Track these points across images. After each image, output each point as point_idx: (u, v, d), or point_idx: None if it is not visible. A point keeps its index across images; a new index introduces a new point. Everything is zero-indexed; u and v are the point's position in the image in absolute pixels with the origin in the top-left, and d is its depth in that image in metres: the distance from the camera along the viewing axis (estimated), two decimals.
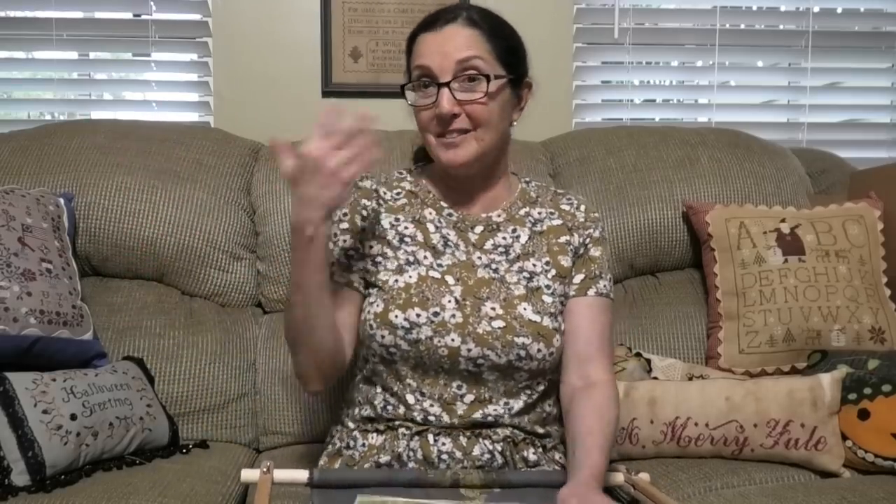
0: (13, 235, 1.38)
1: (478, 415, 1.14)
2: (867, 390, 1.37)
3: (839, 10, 2.31)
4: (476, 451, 1.13)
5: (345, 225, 1.25)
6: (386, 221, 1.24)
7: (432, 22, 1.18)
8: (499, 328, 1.13)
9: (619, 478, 1.10)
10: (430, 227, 1.23)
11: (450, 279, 1.18)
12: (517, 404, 1.16)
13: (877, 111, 2.37)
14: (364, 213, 1.25)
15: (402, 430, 1.15)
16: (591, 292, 1.21)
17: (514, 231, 1.24)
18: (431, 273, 1.18)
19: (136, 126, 1.79)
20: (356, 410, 1.22)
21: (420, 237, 1.22)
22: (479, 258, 1.21)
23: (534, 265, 1.21)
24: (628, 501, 1.17)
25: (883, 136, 2.34)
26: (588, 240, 1.25)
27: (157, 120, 2.04)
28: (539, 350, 1.14)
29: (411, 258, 1.20)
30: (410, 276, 1.18)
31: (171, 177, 1.67)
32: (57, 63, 2.09)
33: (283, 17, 2.03)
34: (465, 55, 1.14)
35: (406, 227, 1.23)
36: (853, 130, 2.38)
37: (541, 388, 1.19)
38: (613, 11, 2.15)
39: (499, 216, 1.25)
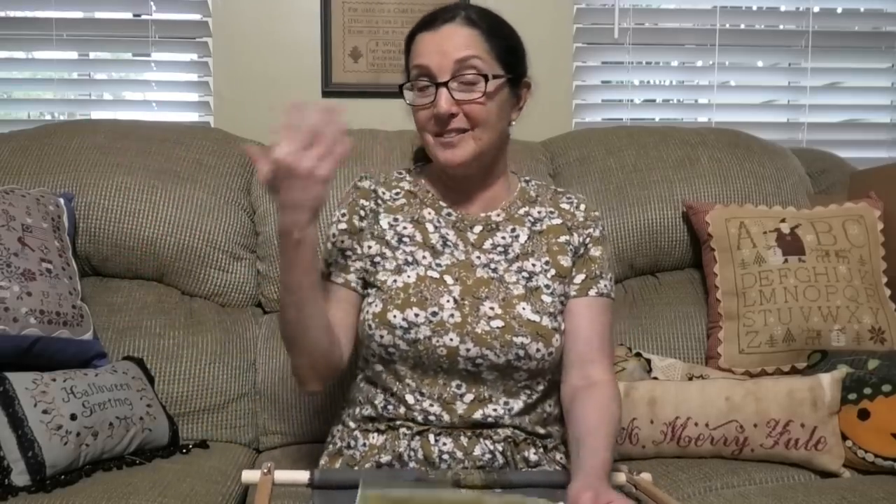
0: (13, 235, 1.38)
1: (478, 415, 1.14)
2: (867, 390, 1.37)
3: (839, 10, 2.31)
4: (477, 452, 1.13)
5: (343, 225, 1.25)
6: (385, 221, 1.24)
7: (431, 21, 1.18)
8: (497, 328, 1.13)
9: (620, 478, 1.10)
10: (429, 227, 1.23)
11: (448, 279, 1.18)
12: (517, 404, 1.16)
13: (877, 111, 2.37)
14: (362, 213, 1.25)
15: (402, 429, 1.15)
16: (592, 292, 1.21)
17: (513, 230, 1.24)
18: (430, 273, 1.18)
19: (136, 126, 1.79)
20: (357, 410, 1.22)
21: (419, 237, 1.22)
22: (478, 258, 1.21)
23: (533, 265, 1.21)
24: None
25: (883, 136, 2.34)
26: (588, 239, 1.25)
27: (157, 120, 2.04)
28: (538, 350, 1.14)
29: (410, 258, 1.20)
30: (409, 276, 1.18)
31: (171, 177, 1.67)
32: (57, 63, 2.09)
33: (283, 17, 2.03)
34: (464, 55, 1.14)
35: (405, 228, 1.23)
36: (853, 130, 2.38)
37: (541, 387, 1.19)
38: (613, 11, 2.15)
39: (498, 216, 1.25)
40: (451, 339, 1.13)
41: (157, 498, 1.16)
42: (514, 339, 1.13)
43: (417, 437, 1.14)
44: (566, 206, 1.28)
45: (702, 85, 2.27)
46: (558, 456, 1.22)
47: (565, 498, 0.95)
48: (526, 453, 1.17)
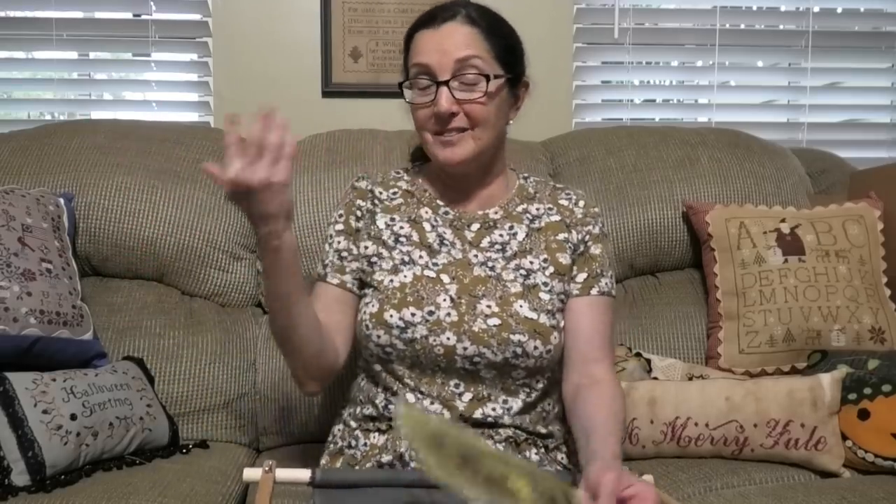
0: (13, 235, 1.38)
1: (478, 414, 1.14)
2: (867, 390, 1.37)
3: (839, 10, 2.31)
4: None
5: (340, 226, 1.25)
6: (381, 221, 1.24)
7: (431, 19, 1.18)
8: (494, 326, 1.13)
9: None
10: (426, 227, 1.23)
11: (445, 278, 1.18)
12: (516, 403, 1.16)
13: (877, 111, 2.37)
14: (359, 213, 1.25)
15: None
16: (594, 291, 1.21)
17: (511, 228, 1.24)
18: (426, 272, 1.18)
19: (136, 126, 1.79)
20: (358, 409, 1.22)
21: (415, 237, 1.22)
22: (476, 256, 1.21)
23: (531, 262, 1.20)
24: None
25: (883, 136, 2.34)
26: (588, 237, 1.24)
27: (157, 120, 2.04)
28: (536, 347, 1.14)
29: (406, 258, 1.20)
30: (405, 276, 1.18)
31: (171, 177, 1.67)
32: (57, 63, 2.09)
33: (283, 17, 2.03)
34: (465, 54, 1.14)
35: (401, 227, 1.23)
36: (853, 130, 2.38)
37: (540, 386, 1.19)
38: (613, 11, 2.15)
39: (496, 213, 1.25)
40: (448, 338, 1.12)
41: (157, 498, 1.16)
42: (512, 336, 1.13)
43: None
44: (565, 203, 1.27)
45: (702, 85, 2.27)
46: (559, 456, 1.21)
47: (580, 480, 0.94)
48: (527, 454, 1.16)
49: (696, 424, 1.37)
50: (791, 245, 1.62)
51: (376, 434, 1.18)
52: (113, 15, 2.11)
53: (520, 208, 1.26)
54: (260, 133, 0.95)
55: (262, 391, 1.57)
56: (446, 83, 1.14)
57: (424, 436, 0.86)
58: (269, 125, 0.96)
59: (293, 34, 2.03)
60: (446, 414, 1.13)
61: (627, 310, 1.70)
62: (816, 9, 2.24)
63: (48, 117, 2.12)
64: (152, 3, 2.03)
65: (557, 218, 1.25)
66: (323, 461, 1.24)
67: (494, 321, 1.14)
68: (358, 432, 1.20)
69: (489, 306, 1.15)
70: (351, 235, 1.24)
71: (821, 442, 1.33)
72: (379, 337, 1.14)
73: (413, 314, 1.13)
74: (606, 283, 1.23)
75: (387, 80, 2.00)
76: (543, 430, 1.20)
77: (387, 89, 1.94)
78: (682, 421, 1.37)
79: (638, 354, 1.54)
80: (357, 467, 1.16)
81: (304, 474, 1.02)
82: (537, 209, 1.26)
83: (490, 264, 1.20)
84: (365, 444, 1.18)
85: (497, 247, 1.22)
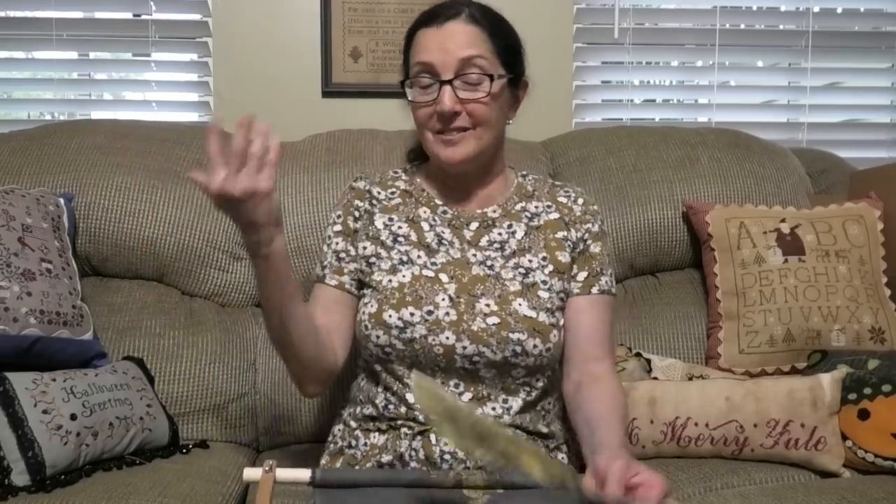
0: (13, 235, 1.38)
1: (478, 413, 1.14)
2: (867, 390, 1.37)
3: (839, 10, 2.31)
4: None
5: (338, 227, 1.25)
6: (380, 222, 1.24)
7: (433, 17, 1.17)
8: (493, 324, 1.13)
9: None
10: (425, 226, 1.23)
11: (444, 277, 1.18)
12: (516, 402, 1.16)
13: (877, 111, 2.37)
14: (357, 214, 1.25)
15: (404, 429, 1.15)
16: (594, 290, 1.21)
17: (509, 227, 1.24)
18: (425, 272, 1.18)
19: (136, 126, 1.79)
20: (358, 409, 1.22)
21: (414, 236, 1.22)
22: (474, 255, 1.21)
23: (530, 261, 1.20)
24: None
25: (883, 136, 2.34)
26: (587, 235, 1.24)
27: (157, 120, 2.04)
28: (535, 346, 1.14)
29: (405, 258, 1.20)
30: (404, 276, 1.18)
31: (171, 177, 1.67)
32: (57, 63, 2.09)
33: (283, 17, 2.03)
34: (468, 54, 1.14)
35: (400, 227, 1.23)
36: (853, 130, 2.38)
37: (540, 384, 1.19)
38: (613, 11, 2.15)
39: (494, 212, 1.25)
40: (448, 338, 1.12)
41: (157, 498, 1.16)
42: (511, 335, 1.13)
43: (419, 437, 1.14)
44: (563, 200, 1.27)
45: (702, 85, 2.27)
46: (560, 456, 1.21)
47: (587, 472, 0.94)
48: None
49: (696, 424, 1.37)
50: (791, 245, 1.62)
51: (376, 434, 1.18)
52: (113, 15, 2.11)
53: (518, 206, 1.26)
54: (242, 142, 0.94)
55: (262, 391, 1.57)
56: (449, 82, 1.14)
57: (440, 410, 0.88)
58: (248, 133, 0.95)
59: (293, 34, 2.03)
60: None
61: (627, 310, 1.70)
62: (816, 9, 2.24)
63: (48, 117, 2.12)
64: (152, 3, 2.03)
65: (556, 216, 1.25)
66: (323, 461, 1.24)
67: (493, 320, 1.14)
68: (358, 432, 1.20)
69: (488, 305, 1.15)
70: (349, 236, 1.24)
71: (821, 442, 1.33)
72: (378, 337, 1.14)
73: (412, 314, 1.13)
74: (607, 282, 1.23)
75: (387, 80, 2.00)
76: (544, 430, 1.20)
77: (387, 89, 1.94)
78: (682, 421, 1.37)
79: (638, 354, 1.54)
80: (357, 467, 1.16)
81: (304, 474, 1.02)
82: (536, 207, 1.26)
83: (489, 263, 1.20)
84: (365, 444, 1.18)
85: (496, 245, 1.22)
